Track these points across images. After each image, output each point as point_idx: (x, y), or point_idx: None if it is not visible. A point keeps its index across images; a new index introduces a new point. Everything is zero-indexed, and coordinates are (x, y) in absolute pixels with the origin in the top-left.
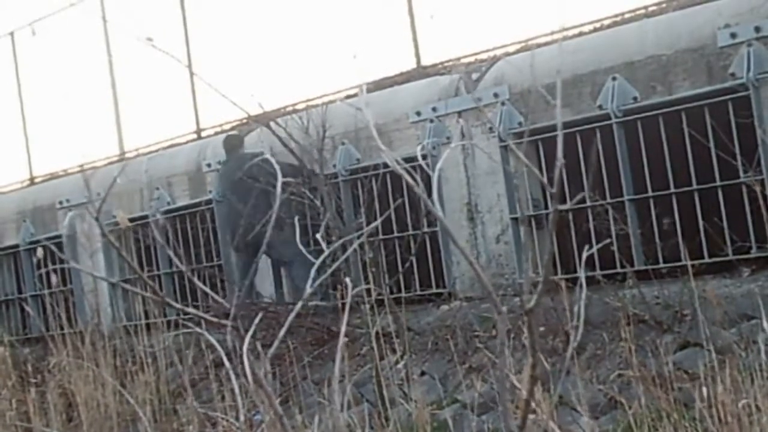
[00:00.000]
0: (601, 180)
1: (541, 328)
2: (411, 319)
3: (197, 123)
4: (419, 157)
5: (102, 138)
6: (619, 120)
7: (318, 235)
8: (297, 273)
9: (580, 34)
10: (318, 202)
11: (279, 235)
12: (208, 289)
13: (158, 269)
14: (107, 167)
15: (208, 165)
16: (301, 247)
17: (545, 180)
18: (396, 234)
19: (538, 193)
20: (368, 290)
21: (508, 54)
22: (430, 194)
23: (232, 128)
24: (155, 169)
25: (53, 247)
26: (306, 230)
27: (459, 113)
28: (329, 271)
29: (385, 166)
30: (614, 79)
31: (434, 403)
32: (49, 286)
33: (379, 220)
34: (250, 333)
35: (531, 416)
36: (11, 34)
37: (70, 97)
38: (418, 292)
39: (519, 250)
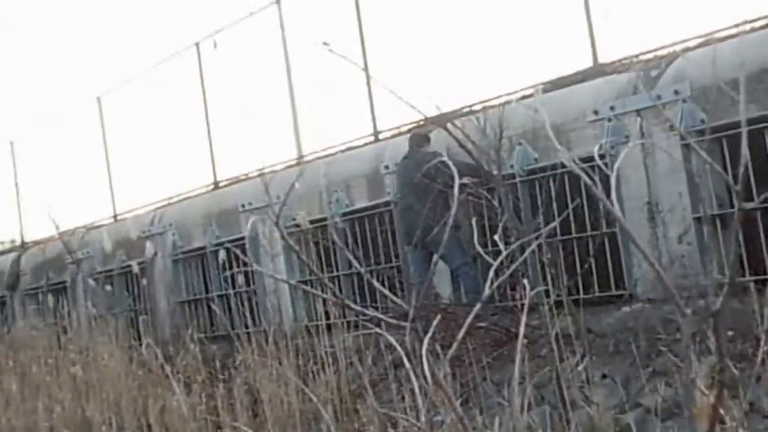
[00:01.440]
0: None
1: (729, 332)
2: (591, 320)
3: (374, 126)
4: (597, 157)
5: (281, 143)
6: None
7: (496, 236)
8: (468, 275)
9: (766, 26)
10: (495, 203)
11: (455, 238)
12: (386, 291)
13: (337, 270)
14: (286, 171)
15: (386, 167)
16: (478, 248)
17: (729, 177)
18: (574, 235)
19: (722, 192)
20: (547, 291)
21: (687, 49)
22: (609, 194)
23: (409, 131)
24: (333, 172)
25: (236, 250)
26: (484, 231)
27: (638, 112)
28: (508, 271)
29: (563, 166)
30: None
31: (616, 406)
32: (234, 287)
33: (557, 221)
34: (429, 334)
35: (719, 424)
36: (197, 45)
37: (250, 104)
38: (598, 294)
39: (703, 251)
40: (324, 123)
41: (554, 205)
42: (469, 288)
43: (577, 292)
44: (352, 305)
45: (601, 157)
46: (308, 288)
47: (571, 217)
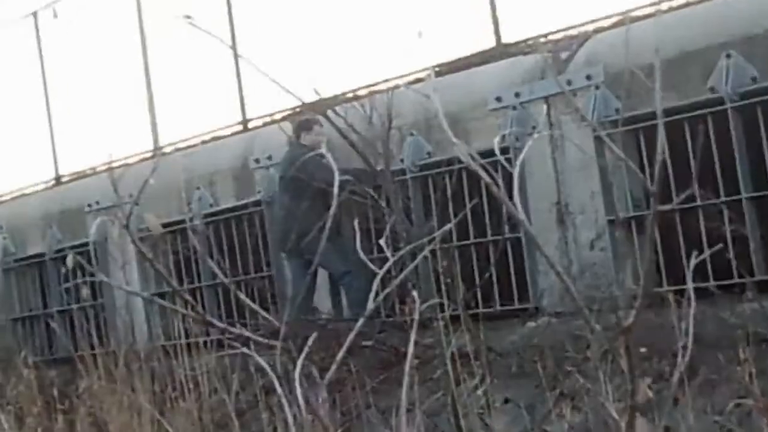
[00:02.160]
0: (714, 175)
1: (643, 349)
2: (491, 337)
3: (243, 113)
4: (498, 151)
5: (134, 132)
6: (736, 104)
7: (381, 241)
8: (351, 286)
9: (687, 4)
10: (383, 203)
11: (335, 243)
12: (255, 305)
13: (200, 281)
14: (140, 165)
15: (257, 161)
16: (361, 254)
17: (646, 176)
18: (473, 240)
19: (638, 191)
20: (441, 305)
21: (601, 30)
22: (512, 193)
23: (284, 119)
24: (195, 166)
25: (79, 258)
26: (368, 235)
27: (546, 99)
28: (395, 282)
29: (461, 160)
30: (729, 56)
31: None
32: (78, 301)
33: (453, 223)
34: (304, 354)
35: None
36: (34, 14)
37: (98, 85)
38: (500, 307)
39: (616, 258)
40: (185, 109)
41: (450, 205)
42: (353, 301)
43: (476, 306)
44: (215, 322)
45: (504, 150)
46: (165, 302)
47: (470, 220)
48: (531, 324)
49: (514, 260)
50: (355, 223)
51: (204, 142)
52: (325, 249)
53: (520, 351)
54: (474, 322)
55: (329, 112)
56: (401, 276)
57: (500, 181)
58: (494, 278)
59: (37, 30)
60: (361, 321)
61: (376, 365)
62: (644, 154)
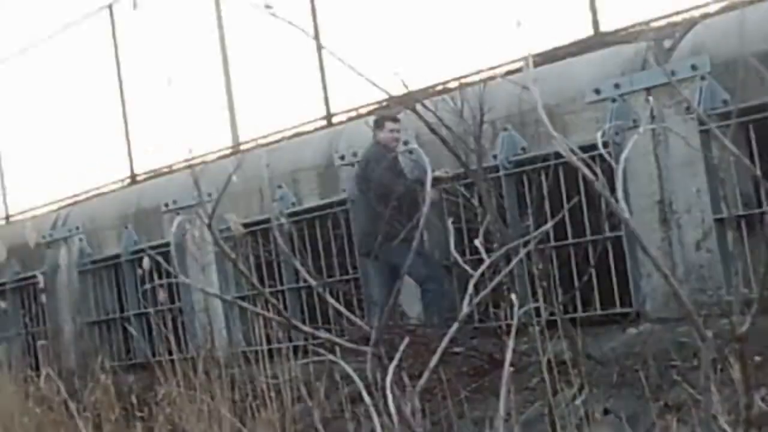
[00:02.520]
0: None
1: (757, 358)
2: (591, 344)
3: (327, 108)
4: (599, 145)
5: (213, 129)
6: None
7: (477, 242)
8: (429, 290)
9: None
10: (475, 201)
11: (412, 246)
12: (343, 309)
13: (282, 284)
14: (219, 162)
15: (341, 157)
16: (454, 254)
17: (757, 171)
18: (571, 240)
19: (748, 188)
20: (537, 309)
21: (708, 15)
22: (613, 190)
23: (369, 113)
24: (277, 163)
25: (159, 258)
26: (461, 236)
27: (648, 90)
28: (491, 285)
29: (558, 156)
30: None
31: None
32: (156, 304)
33: (550, 224)
34: (395, 361)
35: None
36: (110, 6)
37: (175, 80)
38: (599, 312)
39: (725, 260)
40: (266, 103)
41: (547, 203)
42: (430, 305)
43: (574, 310)
44: (301, 326)
45: (604, 145)
46: (246, 305)
47: (567, 219)
48: (632, 330)
49: (615, 262)
50: (448, 222)
51: (286, 139)
52: (407, 252)
53: (621, 359)
54: (572, 328)
55: (417, 106)
56: (496, 280)
57: (601, 178)
58: (593, 281)
59: (113, 23)
60: (454, 326)
61: (468, 373)
62: (755, 148)
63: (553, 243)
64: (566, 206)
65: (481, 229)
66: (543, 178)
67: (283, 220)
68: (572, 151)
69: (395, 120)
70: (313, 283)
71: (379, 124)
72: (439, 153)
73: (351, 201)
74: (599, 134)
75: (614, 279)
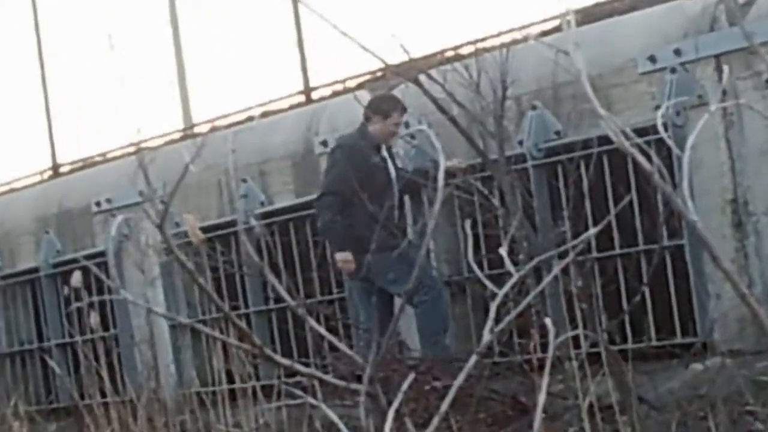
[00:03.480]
0: None
1: None
2: (644, 384)
3: (305, 79)
4: (660, 128)
5: (159, 106)
6: None
7: (501, 251)
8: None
9: None
10: (496, 201)
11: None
12: (331, 337)
13: (246, 305)
14: (166, 149)
15: (323, 143)
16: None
17: None
18: (618, 250)
19: None
20: (576, 338)
21: None
22: (674, 185)
23: (359, 87)
24: (241, 150)
25: (95, 270)
26: (476, 245)
27: (717, 57)
28: (518, 308)
29: (603, 142)
30: None
31: None
32: (84, 331)
33: (594, 230)
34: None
35: None
36: None
37: (109, 45)
38: (654, 342)
39: None
40: (226, 76)
41: (587, 203)
42: (426, 331)
43: (623, 340)
44: (279, 358)
45: (662, 128)
46: (207, 330)
47: (614, 223)
48: (697, 366)
49: (674, 279)
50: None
51: (251, 119)
52: (383, 261)
53: (682, 402)
54: (620, 363)
55: (421, 78)
56: (525, 301)
57: (662, 169)
58: (647, 303)
59: None
60: (471, 360)
61: (486, 420)
62: None
63: (595, 254)
64: (613, 209)
65: (503, 237)
66: (583, 170)
67: (252, 222)
68: (625, 134)
69: (404, 110)
70: (292, 303)
71: (383, 111)
72: (449, 138)
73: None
74: (659, 113)
75: (674, 300)
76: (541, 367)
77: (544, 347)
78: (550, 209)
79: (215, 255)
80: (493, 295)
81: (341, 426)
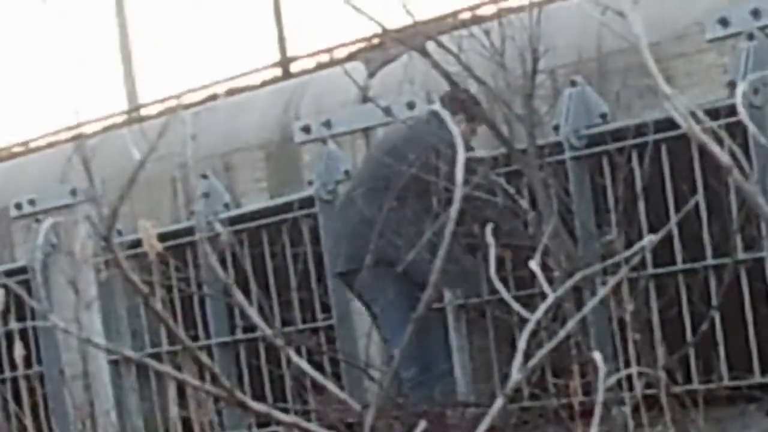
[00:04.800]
0: None
1: None
2: None
3: (282, 48)
4: (741, 108)
5: (96, 82)
6: None
7: (532, 264)
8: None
9: None
10: (524, 200)
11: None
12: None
13: (207, 335)
14: (107, 135)
15: (305, 129)
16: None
17: None
18: (681, 266)
19: None
20: (629, 378)
21: None
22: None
23: (350, 56)
24: (201, 138)
25: (15, 287)
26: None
27: None
28: (555, 338)
29: (662, 128)
30: None
31: None
32: (1, 368)
33: (651, 239)
34: None
35: None
36: None
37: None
38: (727, 383)
39: None
40: (182, 42)
41: (642, 204)
42: (410, 384)
43: (688, 380)
44: (253, 404)
45: (734, 110)
46: (157, 365)
47: (676, 231)
48: None
49: (752, 301)
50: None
51: (214, 98)
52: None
53: None
54: (684, 407)
55: (429, 46)
56: (564, 331)
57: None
58: (717, 332)
59: None
60: (497, 403)
61: None
62: None
63: (651, 270)
64: (676, 215)
65: (537, 247)
66: (635, 162)
67: (217, 227)
68: (694, 117)
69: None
70: (267, 332)
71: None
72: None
73: (321, 201)
74: (739, 90)
75: (751, 329)
76: (585, 414)
77: (587, 389)
78: (594, 212)
79: (168, 271)
80: (523, 322)
81: None
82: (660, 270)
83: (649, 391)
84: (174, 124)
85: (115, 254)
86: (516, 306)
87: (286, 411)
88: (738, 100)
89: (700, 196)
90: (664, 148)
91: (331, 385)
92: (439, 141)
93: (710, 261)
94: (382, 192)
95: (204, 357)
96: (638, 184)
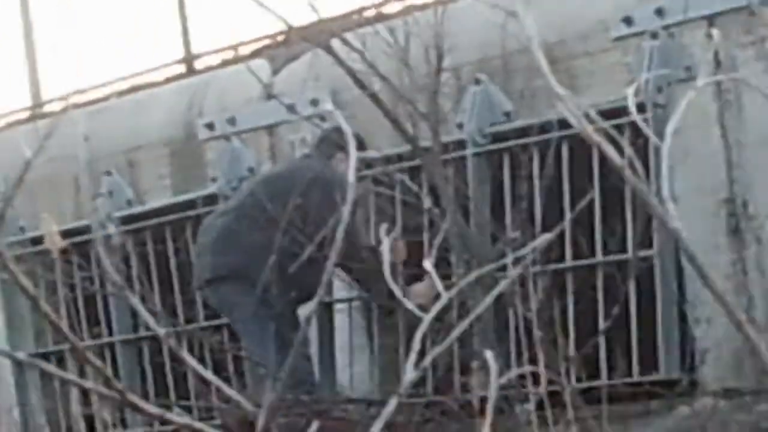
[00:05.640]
0: None
1: None
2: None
3: (186, 45)
4: (632, 107)
5: (1, 79)
6: None
7: (426, 264)
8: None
9: None
10: (427, 199)
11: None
12: (206, 372)
13: (111, 333)
14: (8, 132)
15: (209, 126)
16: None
17: None
18: (579, 261)
19: None
20: (532, 376)
21: None
22: (652, 181)
23: (255, 53)
24: (104, 135)
25: None
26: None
27: (710, 19)
28: (451, 335)
29: (564, 126)
30: None
31: None
32: None
33: (547, 236)
34: None
35: None
36: None
37: None
38: (630, 379)
39: None
40: (85, 38)
41: (537, 203)
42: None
43: (592, 376)
44: (143, 404)
45: (638, 108)
46: (54, 369)
47: (568, 233)
48: (684, 409)
49: (650, 299)
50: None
51: (119, 95)
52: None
53: None
54: (586, 404)
55: (334, 43)
56: (457, 330)
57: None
58: (620, 329)
59: None
60: (392, 402)
61: None
62: None
63: (551, 265)
64: (576, 206)
65: (433, 243)
66: (534, 161)
67: (112, 228)
68: (588, 117)
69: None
70: (160, 332)
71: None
72: (370, 120)
73: (225, 198)
74: (630, 90)
75: (655, 327)
76: (484, 411)
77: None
78: (497, 210)
79: (71, 269)
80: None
81: None
82: (560, 265)
83: (551, 388)
84: (76, 121)
85: (2, 255)
86: (410, 305)
87: (188, 409)
88: (630, 99)
89: (596, 194)
90: (566, 147)
91: (222, 385)
92: (316, 178)
93: (613, 257)
94: (247, 211)
95: (93, 358)
96: (536, 183)
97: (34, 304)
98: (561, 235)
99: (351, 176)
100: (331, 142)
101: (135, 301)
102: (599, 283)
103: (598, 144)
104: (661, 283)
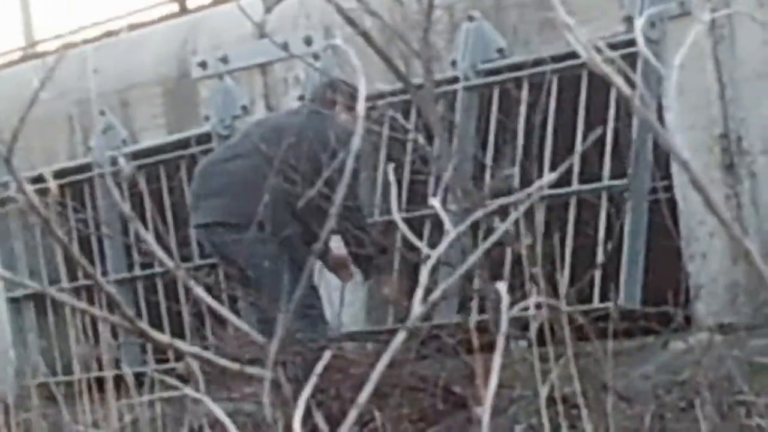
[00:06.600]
0: None
1: None
2: (614, 367)
3: None
4: (640, 39)
5: None
6: None
7: (433, 201)
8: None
9: None
10: (421, 137)
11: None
12: (221, 307)
13: (106, 271)
14: (2, 71)
15: (202, 64)
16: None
17: None
18: (576, 187)
19: None
20: (537, 307)
21: None
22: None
23: None
24: (98, 75)
25: None
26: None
27: None
28: (455, 273)
29: (557, 60)
30: None
31: None
32: None
33: (553, 174)
34: (306, 394)
35: None
36: None
37: None
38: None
39: None
40: None
41: (535, 136)
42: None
43: (589, 310)
44: (158, 335)
45: (628, 43)
46: (68, 298)
47: (576, 162)
48: (679, 345)
49: (650, 233)
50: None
51: (110, 34)
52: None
53: (660, 390)
54: (583, 340)
55: None
56: (465, 265)
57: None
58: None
59: None
60: (399, 337)
61: (412, 418)
62: None
63: (551, 193)
64: (580, 145)
65: (442, 180)
66: (524, 95)
67: (121, 161)
68: (597, 49)
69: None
70: (171, 266)
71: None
72: (361, 58)
73: (219, 136)
74: (639, 23)
75: (650, 260)
76: (485, 348)
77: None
78: (492, 146)
79: (65, 210)
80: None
81: (225, 419)
82: (557, 191)
83: (549, 323)
84: (70, 61)
85: (22, 186)
86: (417, 242)
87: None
88: (637, 32)
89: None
90: (559, 81)
91: (234, 319)
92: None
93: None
94: (262, 161)
95: (107, 287)
96: (534, 117)
97: (55, 240)
98: (540, 166)
99: (358, 128)
100: (321, 102)
101: (146, 235)
102: (572, 213)
103: (606, 75)
104: (631, 213)
